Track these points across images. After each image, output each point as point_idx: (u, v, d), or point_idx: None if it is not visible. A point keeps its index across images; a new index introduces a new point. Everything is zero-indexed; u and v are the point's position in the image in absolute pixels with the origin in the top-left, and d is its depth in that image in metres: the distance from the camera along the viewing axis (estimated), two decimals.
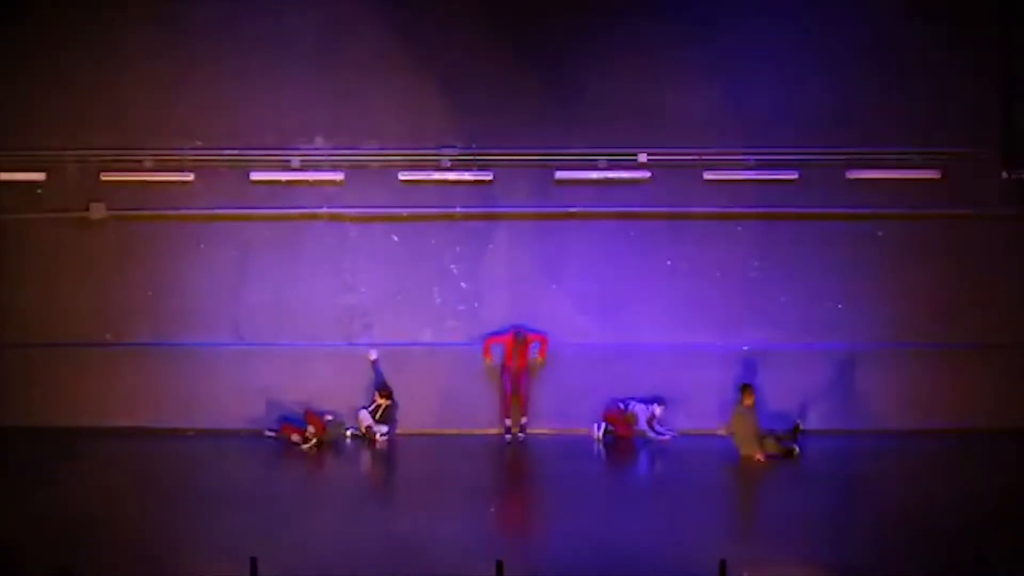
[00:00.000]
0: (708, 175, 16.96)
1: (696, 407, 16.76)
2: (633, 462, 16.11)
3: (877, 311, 17.06)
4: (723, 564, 8.93)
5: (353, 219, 17.23)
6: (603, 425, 16.64)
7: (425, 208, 17.15)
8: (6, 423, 16.71)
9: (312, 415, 16.33)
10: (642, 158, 17.05)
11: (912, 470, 15.12)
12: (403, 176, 17.08)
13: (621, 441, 16.54)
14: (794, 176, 16.91)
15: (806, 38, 17.04)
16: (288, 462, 15.71)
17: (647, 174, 17.02)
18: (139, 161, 17.08)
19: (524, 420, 16.86)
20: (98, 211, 17.09)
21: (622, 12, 17.00)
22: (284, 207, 17.16)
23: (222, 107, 17.09)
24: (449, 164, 17.12)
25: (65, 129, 17.04)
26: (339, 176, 17.12)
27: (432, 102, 17.06)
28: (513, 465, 16.16)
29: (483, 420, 16.98)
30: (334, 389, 16.80)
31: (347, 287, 17.24)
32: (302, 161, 17.15)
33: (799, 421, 15.88)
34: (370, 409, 16.69)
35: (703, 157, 16.97)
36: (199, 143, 17.13)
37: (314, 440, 16.20)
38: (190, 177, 17.06)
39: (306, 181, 17.14)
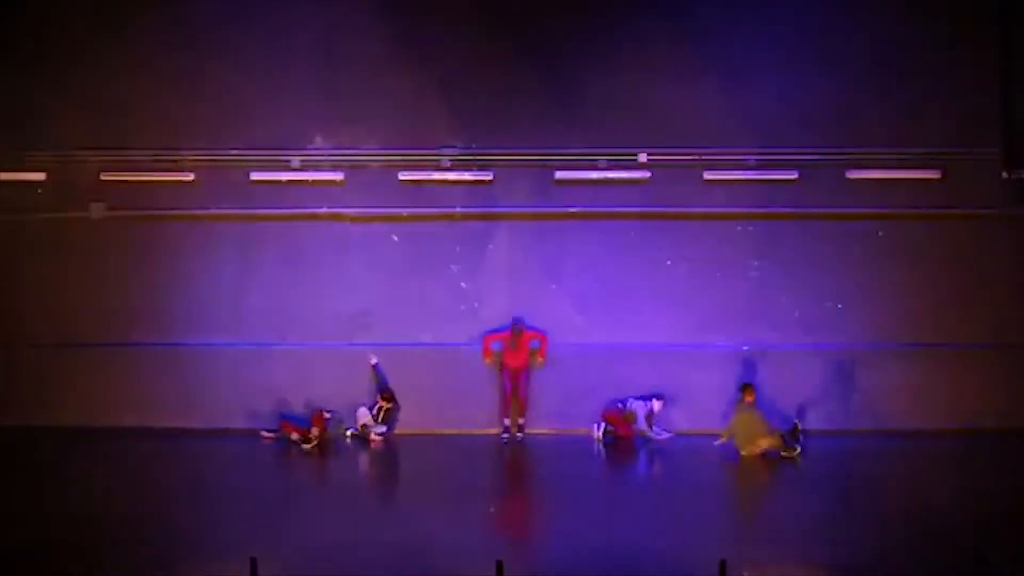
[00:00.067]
0: (708, 175, 16.97)
1: (696, 407, 16.77)
2: (633, 462, 16.11)
3: (877, 311, 17.07)
4: (723, 564, 8.92)
5: (353, 219, 17.23)
6: (602, 425, 16.64)
7: (425, 208, 17.16)
8: (7, 423, 16.72)
9: (318, 416, 16.33)
10: (642, 158, 17.06)
11: (913, 470, 15.11)
12: (403, 176, 17.08)
13: (621, 441, 16.55)
14: (794, 176, 16.92)
15: (806, 38, 17.05)
16: (288, 462, 15.71)
17: (647, 174, 17.03)
18: (139, 161, 17.09)
19: (522, 420, 16.88)
20: (98, 211, 17.10)
21: (622, 12, 17.02)
22: (284, 207, 17.17)
23: (222, 107, 17.10)
24: (449, 164, 17.13)
25: (65, 129, 17.06)
26: (339, 176, 17.13)
27: (432, 102, 17.07)
28: (513, 465, 16.16)
29: (483, 420, 17.00)
30: (334, 389, 16.80)
31: (347, 287, 17.24)
32: (302, 161, 17.16)
33: (797, 421, 15.86)
34: (372, 411, 16.71)
35: (703, 157, 16.98)
36: (199, 143, 17.14)
37: (315, 440, 16.19)
38: (190, 177, 17.08)
39: (306, 181, 17.15)
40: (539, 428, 16.97)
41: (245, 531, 11.94)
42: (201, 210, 17.17)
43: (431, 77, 17.05)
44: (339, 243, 17.24)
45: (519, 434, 16.86)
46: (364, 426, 16.63)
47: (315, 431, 16.23)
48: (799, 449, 15.51)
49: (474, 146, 17.12)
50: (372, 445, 16.47)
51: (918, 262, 17.05)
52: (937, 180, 16.89)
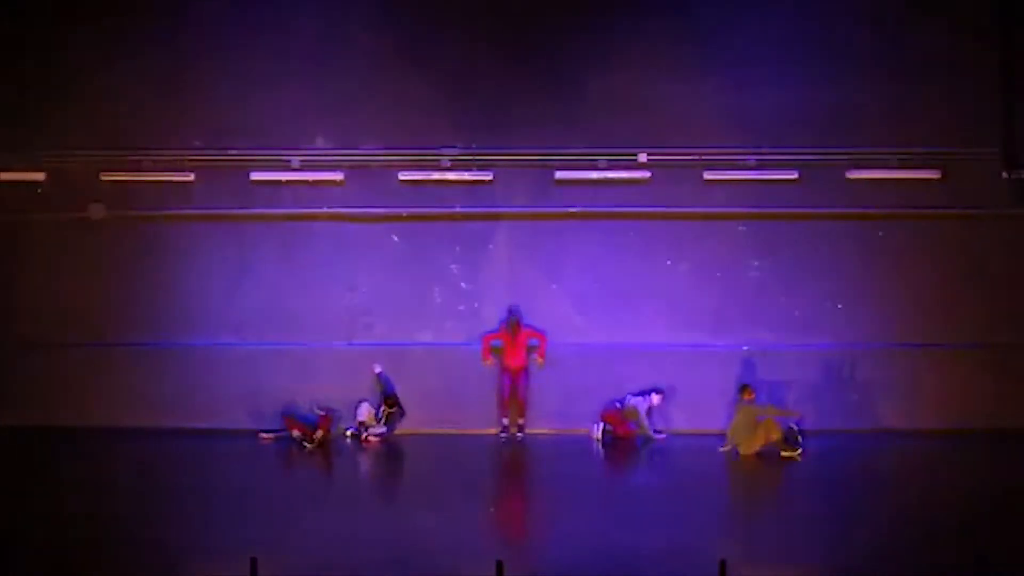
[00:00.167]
0: (708, 175, 16.96)
1: (696, 407, 16.77)
2: (632, 462, 16.11)
3: (877, 311, 17.07)
4: (723, 564, 8.92)
5: (353, 219, 17.23)
6: (601, 425, 16.63)
7: (425, 208, 17.15)
8: (6, 423, 16.72)
9: (326, 419, 16.34)
10: (642, 158, 17.05)
11: (912, 469, 15.12)
12: (403, 176, 17.08)
13: (620, 441, 16.54)
14: (794, 176, 16.91)
15: (806, 38, 17.04)
16: (288, 462, 15.70)
17: (647, 174, 17.02)
18: (139, 161, 17.08)
19: (522, 420, 16.89)
20: (98, 211, 17.09)
21: (622, 11, 17.01)
22: (284, 207, 17.16)
23: (222, 107, 17.10)
24: (449, 164, 17.12)
25: (65, 129, 17.05)
26: (339, 176, 17.12)
27: (432, 102, 17.06)
28: (513, 465, 16.16)
29: (483, 420, 16.99)
30: (334, 389, 16.79)
31: (347, 287, 17.24)
32: (302, 161, 17.15)
33: (793, 426, 15.80)
34: (378, 412, 16.70)
35: (703, 157, 16.97)
36: (199, 143, 17.14)
37: (317, 441, 16.19)
38: (190, 177, 17.07)
39: (306, 181, 17.14)
40: (539, 428, 16.98)
41: (245, 531, 11.94)
42: (201, 210, 17.17)
43: (431, 77, 17.05)
44: (339, 243, 17.24)
45: (519, 434, 16.87)
46: (362, 423, 16.63)
47: (319, 433, 16.23)
48: (800, 449, 15.50)
49: (474, 146, 17.11)
50: (365, 444, 16.45)
51: (918, 262, 17.05)
52: (937, 180, 16.88)
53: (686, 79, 17.01)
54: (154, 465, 15.24)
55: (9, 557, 10.86)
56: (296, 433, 16.28)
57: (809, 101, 16.98)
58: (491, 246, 17.27)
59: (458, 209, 17.18)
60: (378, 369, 16.81)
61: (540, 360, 16.86)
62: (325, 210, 17.19)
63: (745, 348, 17.03)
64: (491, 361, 16.80)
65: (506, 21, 17.11)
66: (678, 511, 13.10)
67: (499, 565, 8.85)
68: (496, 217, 17.24)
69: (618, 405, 16.64)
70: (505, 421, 16.88)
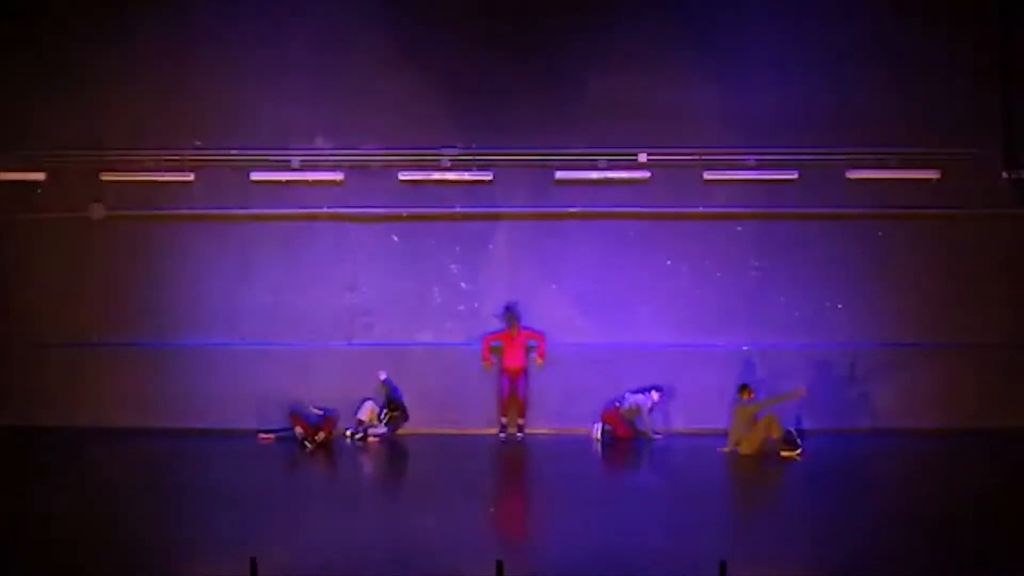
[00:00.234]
0: (708, 175, 16.96)
1: (696, 407, 16.78)
2: (632, 462, 16.10)
3: (877, 311, 17.08)
4: (723, 564, 8.92)
5: (353, 219, 17.23)
6: (599, 425, 16.62)
7: (425, 208, 17.16)
8: (6, 422, 16.72)
9: (331, 422, 16.35)
10: (642, 158, 17.05)
11: (912, 470, 15.11)
12: (403, 176, 17.08)
13: (620, 441, 16.53)
14: (794, 176, 16.91)
15: (806, 38, 17.05)
16: (288, 462, 15.70)
17: (647, 174, 17.02)
18: (139, 161, 17.08)
19: (522, 421, 16.89)
20: (98, 211, 17.09)
21: (621, 12, 17.01)
22: (284, 207, 17.17)
23: (222, 107, 17.10)
24: (449, 164, 17.12)
25: (65, 129, 17.06)
26: (339, 176, 17.12)
27: (432, 102, 17.06)
28: (513, 465, 16.15)
29: (483, 420, 17.00)
30: (334, 389, 16.80)
31: (347, 287, 17.25)
32: (302, 161, 17.15)
33: (791, 429, 15.77)
34: (381, 413, 16.70)
35: (703, 157, 16.97)
36: (199, 143, 17.14)
37: (319, 442, 16.20)
38: (190, 177, 17.07)
39: (306, 181, 17.14)
40: (539, 428, 16.98)
41: (245, 531, 11.94)
42: (201, 210, 17.17)
43: (431, 77, 17.05)
44: (339, 243, 17.25)
45: (519, 434, 16.87)
46: (361, 421, 16.63)
47: (321, 435, 16.24)
48: (799, 449, 15.50)
49: (474, 146, 17.11)
50: (363, 444, 16.45)
51: (918, 262, 17.06)
52: (937, 180, 16.88)
53: (686, 79, 17.02)
54: (154, 465, 15.25)
55: (9, 557, 10.86)
56: (299, 431, 16.29)
57: (809, 101, 16.99)
58: (491, 246, 17.28)
59: (458, 209, 17.18)
60: (383, 376, 16.81)
61: (540, 360, 16.87)
62: (325, 210, 17.19)
63: (745, 348, 17.04)
64: (491, 363, 16.80)
65: (506, 21, 17.11)
66: (678, 511, 13.10)
67: (499, 565, 8.85)
68: (496, 217, 17.24)
69: (617, 405, 16.65)
70: (504, 421, 16.89)
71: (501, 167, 17.09)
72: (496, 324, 17.01)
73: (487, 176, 17.09)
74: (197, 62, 17.09)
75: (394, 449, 16.41)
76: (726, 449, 15.70)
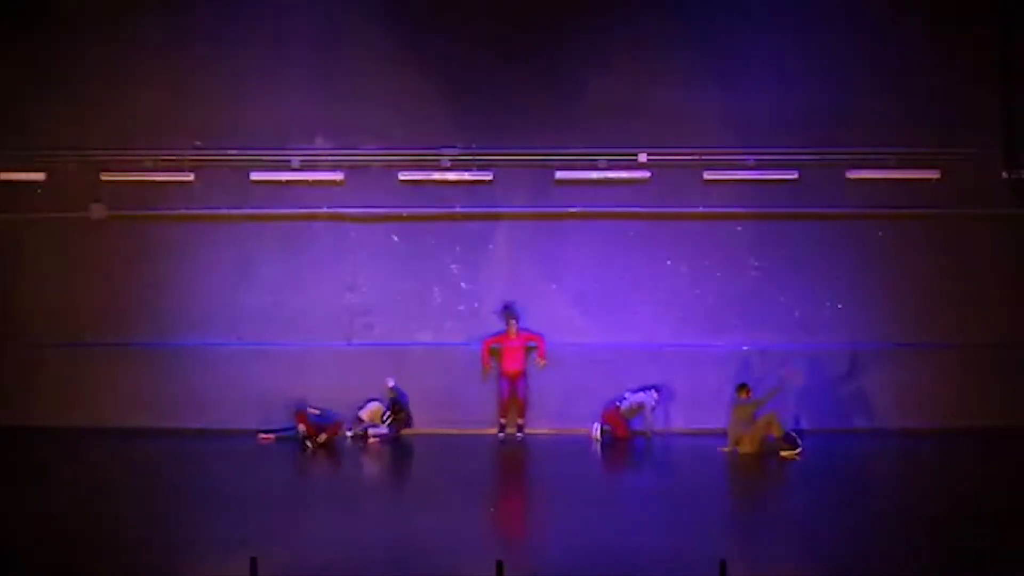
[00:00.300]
0: (708, 175, 16.97)
1: (696, 407, 16.77)
2: (632, 462, 16.09)
3: (877, 311, 17.08)
4: (723, 564, 8.92)
5: (353, 219, 17.23)
6: (598, 425, 16.61)
7: (425, 208, 17.16)
8: (6, 423, 16.72)
9: (335, 427, 16.38)
10: (642, 158, 17.05)
11: (911, 470, 15.11)
12: (403, 176, 17.08)
13: (619, 441, 16.52)
14: (794, 176, 16.92)
15: (806, 38, 17.05)
16: (288, 462, 15.70)
17: (647, 174, 17.02)
18: (139, 161, 17.08)
19: (522, 421, 16.90)
20: (98, 211, 17.09)
21: (621, 12, 17.01)
22: (284, 207, 17.17)
23: (222, 107, 17.11)
24: (449, 164, 17.12)
25: (65, 129, 17.06)
26: (339, 176, 17.12)
27: (432, 102, 17.07)
28: (513, 465, 16.15)
29: (483, 420, 17.00)
30: (334, 389, 16.80)
31: (347, 287, 17.25)
32: (302, 161, 17.15)
33: (792, 432, 15.78)
34: (384, 415, 16.68)
35: (703, 157, 16.98)
36: (199, 143, 17.15)
37: (320, 443, 16.21)
38: (190, 177, 17.08)
39: (306, 181, 17.15)
40: (539, 428, 16.98)
41: (245, 531, 11.93)
42: (201, 210, 17.17)
43: (431, 77, 17.05)
44: (339, 243, 17.25)
45: (519, 434, 16.88)
46: (361, 419, 16.63)
47: (322, 436, 16.24)
48: (799, 448, 15.50)
49: (474, 146, 17.12)
50: (363, 443, 16.46)
51: (918, 262, 17.06)
52: (937, 180, 16.89)
53: (686, 79, 17.02)
54: (153, 465, 15.25)
55: (9, 557, 10.85)
56: (302, 428, 16.29)
57: (809, 101, 16.99)
58: (491, 246, 17.28)
59: (458, 209, 17.19)
60: (391, 383, 16.81)
61: (541, 361, 16.87)
62: (325, 210, 17.19)
63: (745, 348, 17.04)
64: (490, 367, 16.81)
65: (506, 21, 17.11)
66: (678, 511, 13.09)
67: (499, 565, 8.85)
68: (496, 217, 17.24)
69: (618, 404, 16.64)
70: (503, 421, 16.89)
71: (501, 167, 17.09)
72: (496, 323, 17.01)
73: (487, 176, 17.09)
74: (197, 62, 17.09)
75: (394, 449, 16.40)
76: (726, 449, 15.70)
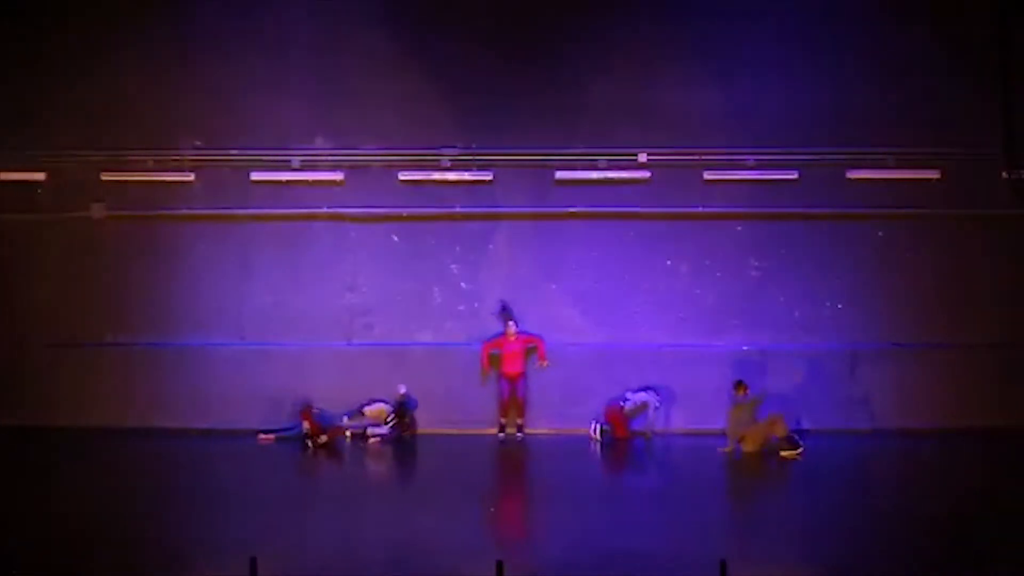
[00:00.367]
0: (708, 175, 16.97)
1: (696, 407, 16.76)
2: (632, 462, 16.09)
3: (877, 311, 17.08)
4: (723, 564, 8.92)
5: (353, 219, 17.24)
6: (596, 425, 16.60)
7: (425, 208, 17.16)
8: (8, 423, 16.72)
9: (336, 430, 16.41)
10: (642, 158, 17.05)
11: (911, 470, 15.11)
12: (403, 176, 17.08)
13: (619, 442, 16.50)
14: (794, 176, 16.92)
15: (806, 38, 17.04)
16: (288, 462, 15.70)
17: (647, 174, 17.02)
18: (139, 161, 17.09)
19: (521, 421, 16.89)
20: (98, 211, 17.10)
21: (622, 12, 17.01)
22: (284, 207, 17.17)
23: (222, 107, 17.11)
24: (449, 164, 17.12)
25: (65, 129, 17.06)
26: (339, 176, 17.13)
27: (432, 102, 17.07)
28: (513, 465, 16.15)
29: (483, 420, 16.99)
30: (334, 389, 16.80)
31: (347, 287, 17.25)
32: (302, 161, 17.16)
33: (794, 435, 15.81)
34: (389, 416, 16.67)
35: (703, 157, 16.98)
36: (199, 143, 17.15)
37: (322, 444, 16.21)
38: (190, 177, 17.08)
39: (306, 181, 17.15)
40: (539, 428, 16.98)
41: (245, 531, 11.94)
42: (201, 210, 17.17)
43: (431, 77, 17.05)
44: (339, 243, 17.25)
45: (519, 434, 16.87)
46: (362, 413, 16.63)
47: (323, 438, 16.25)
48: (800, 449, 15.51)
49: (474, 146, 17.12)
50: (367, 443, 16.47)
51: (918, 262, 17.06)
52: (937, 180, 16.89)
53: (686, 79, 17.02)
54: (154, 465, 15.25)
55: (9, 557, 10.85)
56: (306, 426, 16.29)
57: (809, 101, 16.99)
58: (491, 246, 17.28)
59: (458, 209, 17.19)
60: (403, 390, 16.80)
61: (543, 362, 16.85)
62: (325, 210, 17.20)
63: (745, 348, 17.04)
64: (488, 372, 16.81)
65: (506, 21, 17.12)
66: (678, 511, 13.10)
67: (499, 565, 8.85)
68: (496, 217, 17.24)
69: (621, 404, 16.62)
70: (503, 421, 16.89)
71: (501, 167, 17.09)
72: (496, 324, 17.00)
73: (487, 176, 17.10)
74: (197, 62, 17.09)
75: (394, 449, 16.40)
76: (726, 449, 15.70)
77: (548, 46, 17.07)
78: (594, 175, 17.03)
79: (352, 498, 13.98)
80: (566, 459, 15.85)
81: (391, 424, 16.68)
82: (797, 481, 14.88)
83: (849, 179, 16.92)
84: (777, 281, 17.17)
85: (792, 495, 14.36)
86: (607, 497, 14.09)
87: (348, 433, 16.72)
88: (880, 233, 17.12)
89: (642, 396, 16.65)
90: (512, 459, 16.26)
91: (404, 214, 17.23)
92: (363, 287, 17.29)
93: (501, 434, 16.86)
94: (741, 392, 15.87)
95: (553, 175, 17.01)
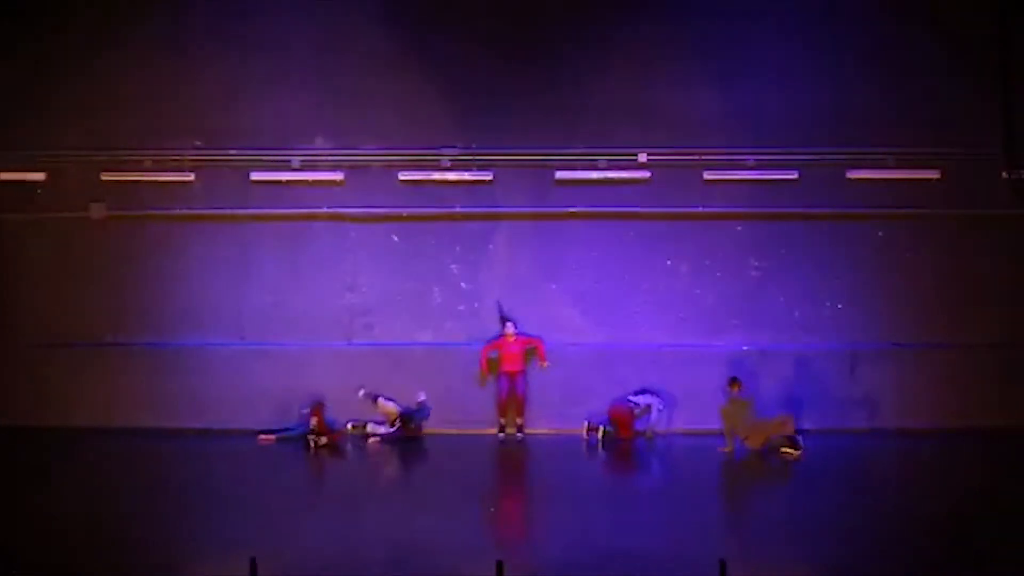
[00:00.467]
0: (708, 175, 16.97)
1: (696, 407, 16.74)
2: (632, 462, 16.09)
3: (877, 311, 17.08)
4: (723, 564, 8.92)
5: (353, 219, 17.23)
6: (601, 426, 16.59)
7: (425, 208, 17.16)
8: (6, 423, 16.73)
9: (341, 432, 16.42)
10: (642, 158, 17.05)
11: (911, 470, 15.11)
12: (403, 176, 17.08)
13: (621, 442, 16.50)
14: (794, 176, 16.92)
15: (806, 38, 17.04)
16: (288, 462, 15.70)
17: (647, 174, 17.02)
18: (139, 161, 17.09)
19: (521, 421, 16.89)
20: (98, 211, 17.10)
21: (622, 12, 17.01)
22: (284, 207, 17.17)
23: (222, 107, 17.10)
24: (449, 164, 17.12)
25: (65, 129, 17.06)
26: (339, 176, 17.13)
27: (432, 102, 17.07)
28: (513, 465, 16.15)
29: (483, 420, 16.99)
30: (334, 389, 16.80)
31: (347, 287, 17.25)
32: (302, 161, 17.16)
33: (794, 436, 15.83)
34: (396, 421, 16.65)
35: (703, 157, 16.98)
36: (199, 143, 17.15)
37: (323, 444, 16.22)
38: (190, 177, 17.08)
39: (306, 181, 17.15)
40: (539, 428, 16.98)
41: (245, 531, 11.94)
42: (201, 210, 17.17)
43: (431, 77, 17.05)
44: (339, 243, 17.25)
45: (519, 434, 16.87)
46: (371, 397, 16.62)
47: (323, 439, 16.26)
48: (801, 450, 15.51)
49: (474, 146, 17.11)
50: (368, 442, 16.47)
51: (918, 262, 17.06)
52: (937, 180, 16.89)
53: (686, 79, 17.02)
54: (154, 465, 15.25)
55: (9, 557, 10.85)
56: (314, 421, 16.29)
57: (809, 101, 16.99)
58: (491, 246, 17.28)
59: (458, 209, 17.19)
60: (422, 397, 16.78)
61: (544, 363, 16.83)
62: (325, 210, 17.20)
63: (745, 348, 17.03)
64: (487, 374, 16.81)
65: (506, 21, 17.11)
66: (678, 511, 13.10)
67: (499, 565, 8.85)
68: (496, 217, 17.24)
69: (632, 407, 16.58)
70: (502, 421, 16.89)
71: (501, 167, 17.09)
72: (496, 324, 17.00)
73: (487, 176, 17.09)
74: (197, 62, 17.09)
75: (394, 449, 16.39)
76: (726, 449, 15.70)
77: (548, 46, 17.07)
78: (594, 175, 17.03)
79: (352, 498, 13.98)
80: (566, 459, 15.85)
81: (396, 427, 16.65)
82: (797, 481, 14.88)
83: (849, 179, 16.92)
84: (777, 281, 17.17)
85: (792, 495, 14.36)
86: (607, 497, 14.09)
87: (350, 426, 16.69)
88: (880, 233, 17.12)
89: (647, 399, 16.64)
90: (512, 459, 16.26)
91: (404, 214, 17.23)
92: (363, 287, 17.29)
93: (501, 434, 16.87)
94: (735, 388, 15.86)
95: (553, 175, 17.01)
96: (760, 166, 16.99)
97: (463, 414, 16.98)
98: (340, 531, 12.07)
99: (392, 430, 16.64)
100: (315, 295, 17.20)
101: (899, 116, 16.94)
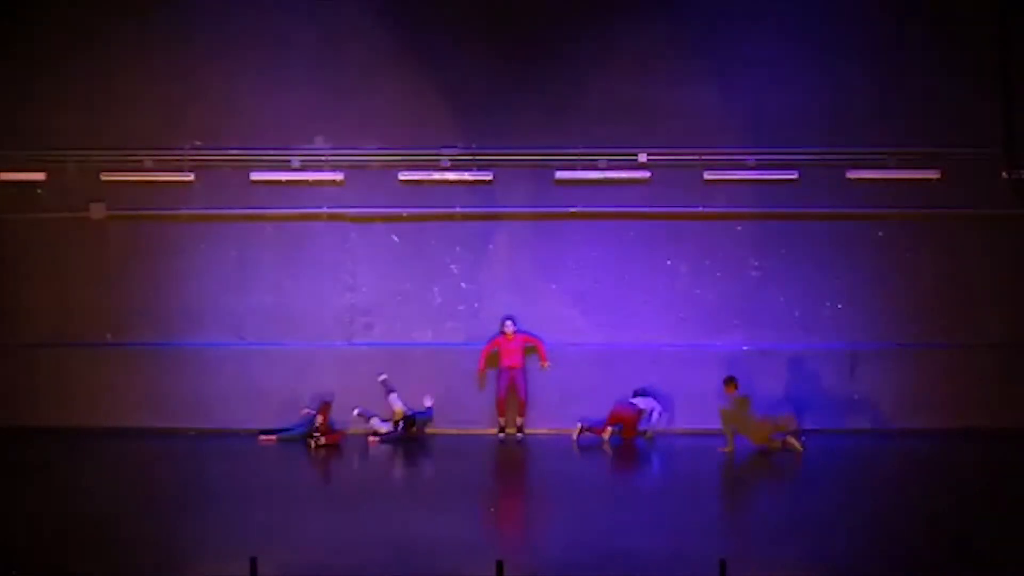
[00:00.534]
0: (708, 175, 16.97)
1: (696, 407, 16.74)
2: (632, 462, 16.09)
3: (877, 311, 17.08)
4: (723, 564, 8.92)
5: (353, 219, 17.23)
6: (580, 426, 16.57)
7: (425, 208, 17.16)
8: (6, 423, 16.72)
9: (341, 434, 16.44)
10: (642, 158, 17.05)
11: (911, 470, 15.11)
12: (403, 176, 17.08)
13: (624, 442, 16.50)
14: (794, 176, 16.92)
15: (806, 38, 17.05)
16: (288, 462, 15.69)
17: (647, 174, 17.02)
18: (139, 161, 17.09)
19: (521, 420, 16.89)
20: (98, 211, 17.10)
21: (622, 12, 17.01)
22: (284, 207, 17.17)
23: (222, 107, 17.11)
24: (449, 164, 17.12)
25: (65, 129, 17.06)
26: (339, 176, 17.13)
27: (432, 102, 17.08)
28: (513, 465, 16.15)
29: (483, 420, 16.99)
30: (334, 389, 16.79)
31: (347, 287, 17.25)
32: (302, 161, 17.16)
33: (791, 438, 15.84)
34: (401, 423, 16.64)
35: (703, 157, 16.98)
36: (199, 143, 17.15)
37: (323, 444, 16.23)
38: (190, 177, 17.08)
39: (306, 181, 17.15)
40: (538, 428, 16.97)
41: (245, 531, 11.94)
42: (201, 210, 17.17)
43: (431, 77, 17.06)
44: (339, 243, 17.25)
45: (519, 434, 16.87)
46: (385, 384, 16.61)
47: (323, 440, 16.26)
48: (802, 451, 15.52)
49: (474, 146, 17.12)
50: (369, 442, 16.48)
51: (918, 262, 17.06)
52: (937, 180, 16.89)
53: (686, 79, 17.02)
54: (154, 465, 15.25)
55: (9, 557, 10.85)
56: (320, 419, 16.30)
57: (809, 101, 16.99)
58: (491, 246, 17.28)
59: (458, 209, 17.19)
60: (428, 403, 16.79)
61: (545, 364, 16.84)
62: (325, 210, 17.19)
63: (745, 348, 17.04)
64: (486, 375, 16.80)
65: (506, 21, 17.11)
66: (678, 511, 13.10)
67: (499, 565, 8.85)
68: (496, 217, 17.24)
69: (639, 409, 16.56)
70: (502, 421, 16.89)
71: (501, 167, 17.09)
72: (496, 324, 17.00)
73: (487, 176, 17.09)
74: (197, 62, 17.09)
75: (394, 449, 16.39)
76: (726, 449, 15.69)
77: (548, 46, 17.07)
78: (594, 175, 17.03)
79: (352, 498, 13.98)
80: (566, 459, 15.85)
81: (398, 428, 16.64)
82: (797, 481, 14.88)
83: (849, 179, 16.92)
84: (777, 281, 17.17)
85: (792, 495, 14.35)
86: (607, 497, 14.08)
87: (356, 412, 16.68)
88: (880, 233, 17.12)
89: (648, 401, 16.64)
90: (512, 459, 16.26)
91: (404, 214, 17.23)
92: (363, 287, 17.29)
93: (501, 434, 16.87)
94: (731, 389, 15.85)
95: (553, 175, 17.01)
96: (760, 166, 17.00)
97: (463, 414, 16.99)
98: (340, 531, 12.06)
99: (394, 430, 16.64)
100: (315, 295, 17.21)
101: (899, 116, 16.94)
